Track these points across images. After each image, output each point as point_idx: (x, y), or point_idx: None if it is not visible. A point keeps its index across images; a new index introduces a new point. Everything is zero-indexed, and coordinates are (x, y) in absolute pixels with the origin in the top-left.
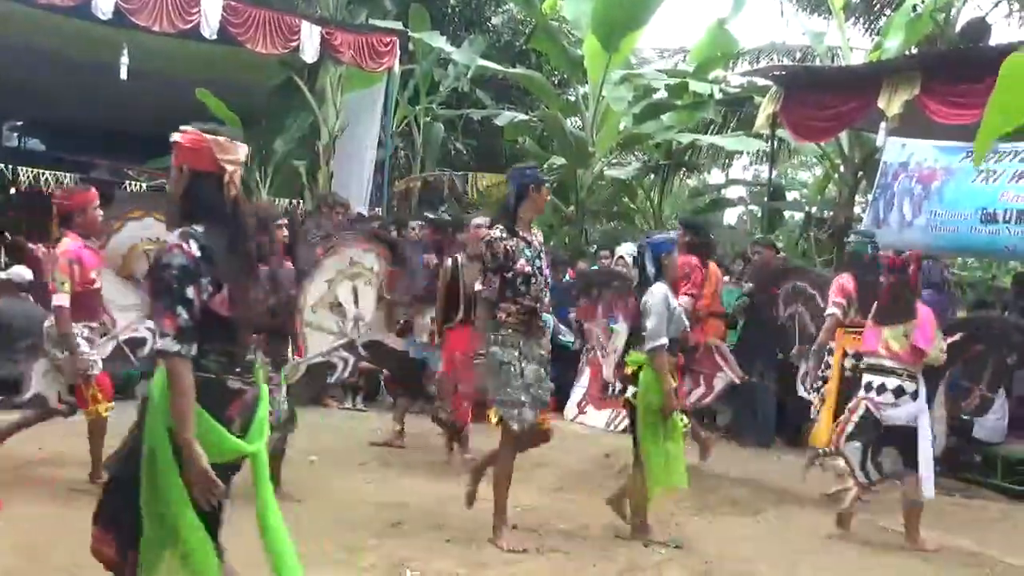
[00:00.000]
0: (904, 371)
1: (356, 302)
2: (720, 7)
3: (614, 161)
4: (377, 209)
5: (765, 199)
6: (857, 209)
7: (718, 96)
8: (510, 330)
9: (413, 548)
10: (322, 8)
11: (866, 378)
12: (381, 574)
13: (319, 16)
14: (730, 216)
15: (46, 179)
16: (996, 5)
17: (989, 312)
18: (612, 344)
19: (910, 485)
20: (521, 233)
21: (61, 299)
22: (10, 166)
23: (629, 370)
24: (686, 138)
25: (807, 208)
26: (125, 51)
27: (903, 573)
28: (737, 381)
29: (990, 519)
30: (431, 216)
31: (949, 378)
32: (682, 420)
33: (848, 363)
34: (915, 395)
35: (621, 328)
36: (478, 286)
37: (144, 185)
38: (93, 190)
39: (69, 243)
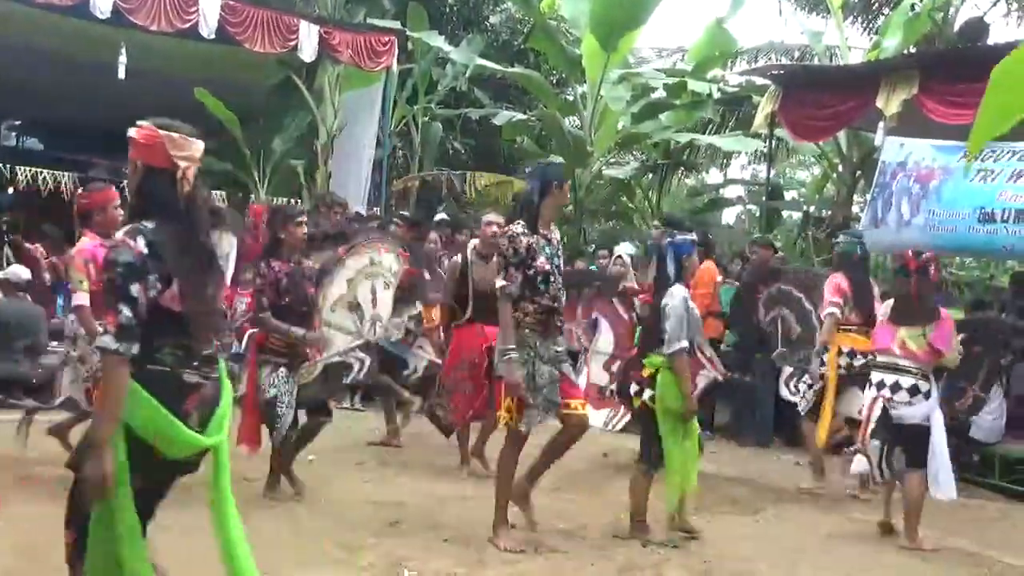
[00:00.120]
0: (918, 370)
1: (374, 303)
2: (718, 6)
3: (612, 160)
4: (375, 208)
5: (763, 198)
6: (855, 208)
7: (716, 95)
8: (527, 330)
9: (411, 547)
10: (320, 7)
11: (876, 376)
12: (379, 573)
13: (317, 15)
14: (728, 215)
15: (44, 179)
16: (994, 4)
17: (986, 313)
18: (594, 345)
19: (911, 484)
20: (541, 231)
21: (81, 298)
22: (8, 165)
23: (646, 373)
24: (684, 137)
25: (805, 207)
26: (123, 50)
27: (902, 572)
28: (720, 378)
29: (988, 519)
30: (405, 214)
31: (945, 379)
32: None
33: (843, 361)
34: (928, 394)
35: (605, 329)
36: (499, 282)
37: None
38: (113, 189)
39: (86, 242)
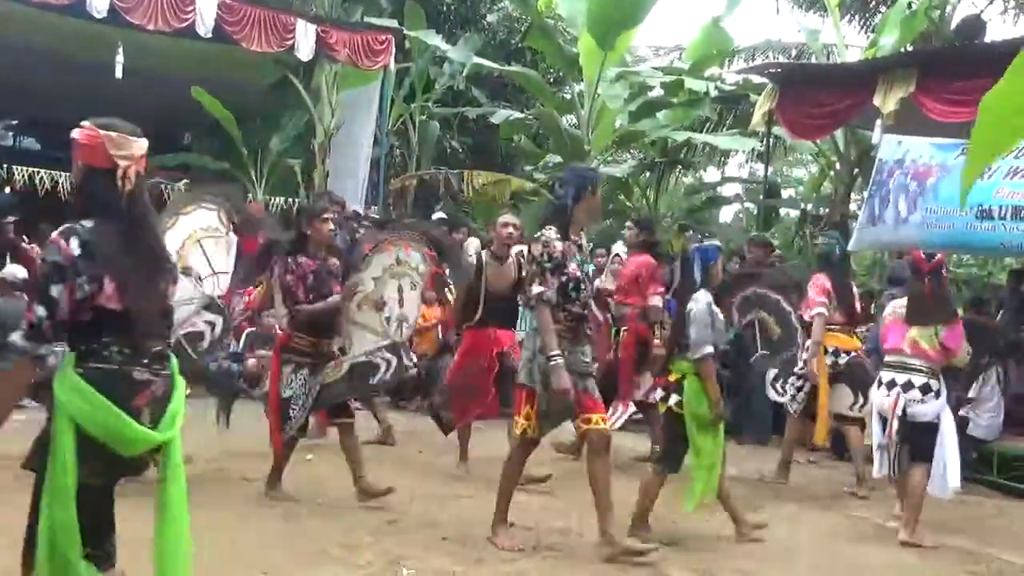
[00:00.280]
0: (929, 369)
1: (400, 302)
2: (715, 5)
3: (610, 159)
4: (373, 207)
5: (761, 197)
6: (853, 206)
7: (714, 94)
8: (557, 337)
9: (409, 546)
10: (317, 6)
11: (887, 375)
12: (378, 571)
13: (314, 14)
14: (726, 214)
15: (41, 178)
16: (991, 2)
17: (975, 317)
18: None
19: (915, 477)
20: (572, 236)
21: None
22: (5, 165)
23: (673, 378)
24: (681, 136)
25: (803, 205)
26: (120, 49)
27: (901, 570)
28: None
29: (986, 516)
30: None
31: None
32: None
33: (828, 360)
34: (938, 393)
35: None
36: (536, 288)
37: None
38: None
39: None
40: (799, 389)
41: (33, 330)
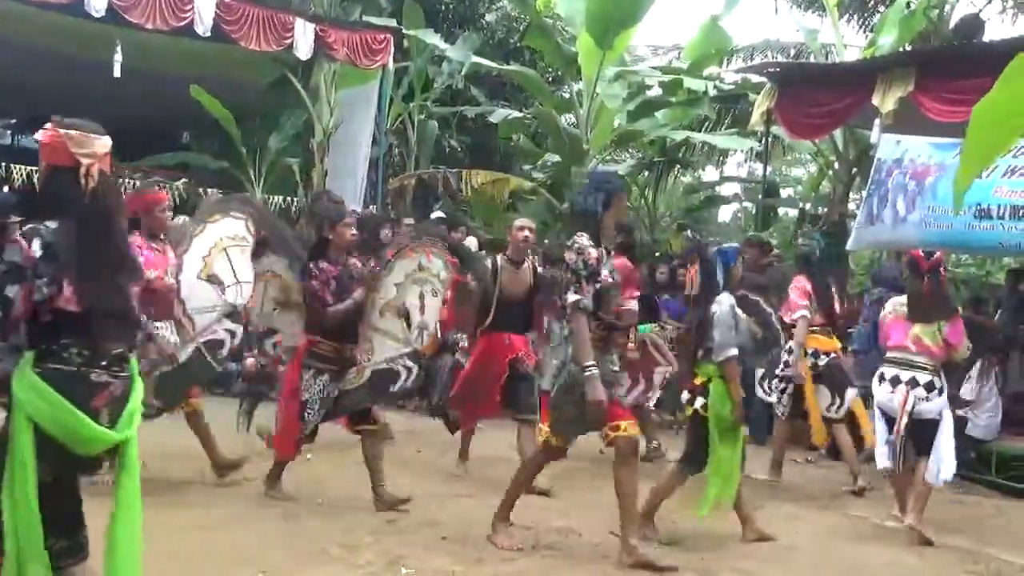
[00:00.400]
0: (932, 366)
1: (422, 310)
2: (714, 4)
3: (608, 158)
4: (372, 207)
5: (759, 196)
6: (851, 205)
7: (712, 93)
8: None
9: (409, 545)
10: (316, 5)
11: (890, 371)
12: (377, 571)
13: (313, 13)
14: (724, 213)
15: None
16: (989, 2)
17: (972, 316)
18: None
19: (921, 469)
20: (603, 243)
21: None
22: (4, 164)
23: (698, 381)
24: (680, 135)
25: (801, 205)
26: (119, 48)
27: (900, 570)
28: (675, 370)
29: (985, 516)
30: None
31: None
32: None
33: (809, 361)
34: (941, 390)
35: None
36: (572, 296)
37: (138, 182)
38: (162, 193)
39: (134, 243)
40: (783, 391)
41: None
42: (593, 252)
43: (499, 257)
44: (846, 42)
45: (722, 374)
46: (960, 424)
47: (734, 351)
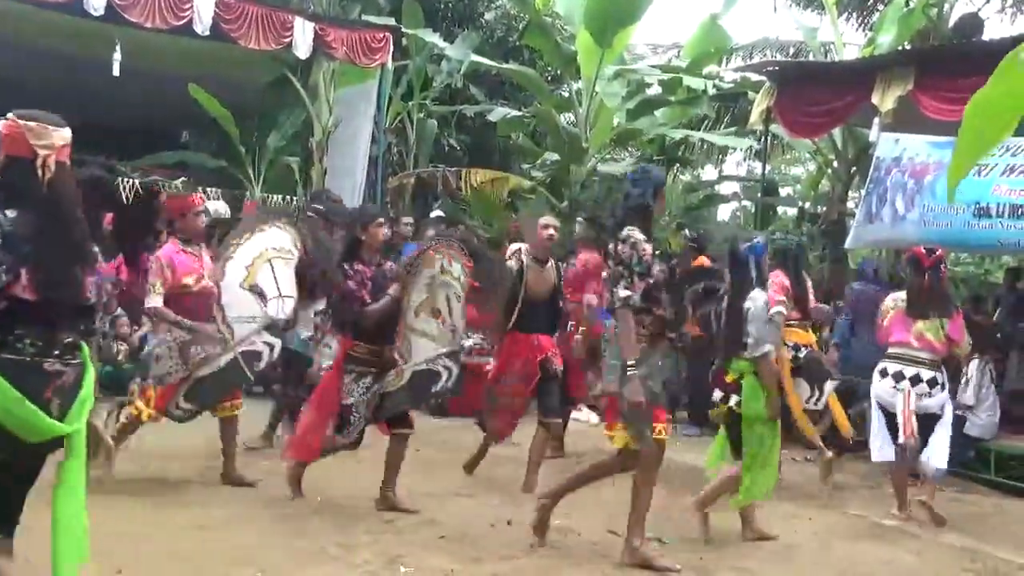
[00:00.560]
0: (934, 362)
1: (450, 312)
2: (713, 2)
3: (608, 157)
4: (369, 206)
5: (759, 195)
6: (850, 204)
7: (711, 92)
8: (644, 344)
9: (407, 544)
10: (315, 4)
11: (893, 367)
12: (376, 570)
13: (312, 12)
14: (724, 212)
15: None
16: (988, 1)
17: (970, 315)
18: None
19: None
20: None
21: (153, 300)
22: None
23: (730, 378)
24: (679, 134)
25: (800, 204)
26: (118, 47)
27: (898, 567)
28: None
29: (984, 514)
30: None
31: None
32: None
33: (788, 355)
34: (943, 385)
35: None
36: (623, 292)
37: (137, 181)
38: (197, 197)
39: (168, 247)
40: None
41: None
42: (648, 247)
43: (524, 256)
44: (845, 40)
45: (756, 370)
46: (959, 423)
47: (770, 347)
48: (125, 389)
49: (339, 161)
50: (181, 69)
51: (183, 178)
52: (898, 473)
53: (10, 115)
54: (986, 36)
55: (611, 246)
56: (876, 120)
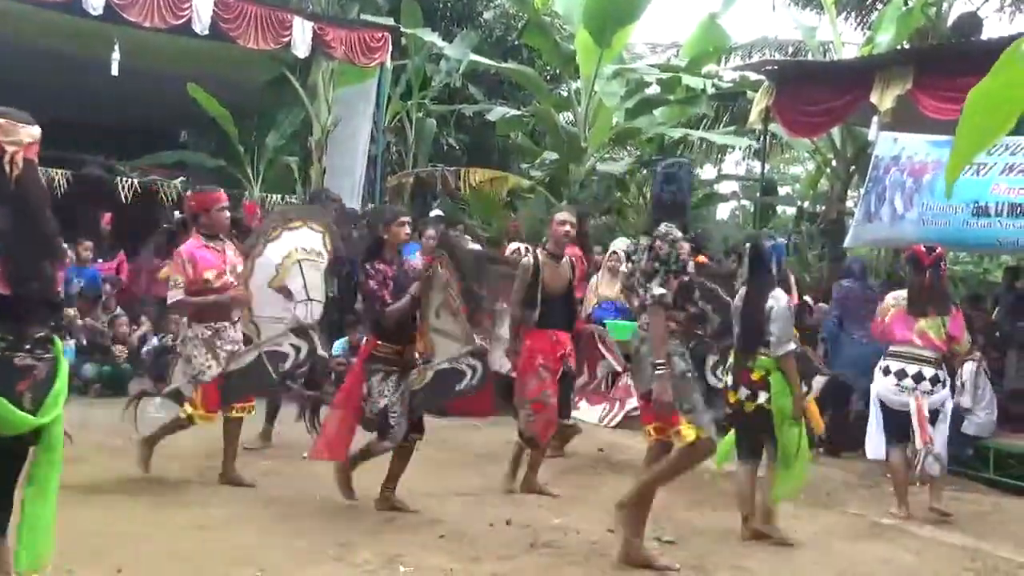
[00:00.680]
0: (935, 359)
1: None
2: (712, 1)
3: (606, 156)
4: (369, 205)
5: (757, 194)
6: (849, 203)
7: (710, 91)
8: (677, 340)
9: (406, 544)
10: (314, 4)
11: (895, 365)
12: (375, 569)
13: (311, 12)
14: (723, 211)
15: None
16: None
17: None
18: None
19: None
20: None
21: (174, 295)
22: None
23: (756, 376)
24: (678, 133)
25: (799, 203)
26: (117, 47)
27: (897, 567)
28: (619, 368)
29: (982, 512)
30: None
31: None
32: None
33: None
34: (944, 383)
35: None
36: (657, 289)
37: (136, 181)
38: (220, 192)
39: (190, 243)
40: None
41: None
42: (686, 246)
43: (540, 253)
44: (844, 40)
45: (780, 368)
46: (957, 421)
47: (793, 345)
48: (125, 389)
49: (338, 160)
50: (180, 68)
51: (182, 178)
52: (898, 472)
53: None
54: (985, 35)
55: (642, 241)
56: (875, 119)
